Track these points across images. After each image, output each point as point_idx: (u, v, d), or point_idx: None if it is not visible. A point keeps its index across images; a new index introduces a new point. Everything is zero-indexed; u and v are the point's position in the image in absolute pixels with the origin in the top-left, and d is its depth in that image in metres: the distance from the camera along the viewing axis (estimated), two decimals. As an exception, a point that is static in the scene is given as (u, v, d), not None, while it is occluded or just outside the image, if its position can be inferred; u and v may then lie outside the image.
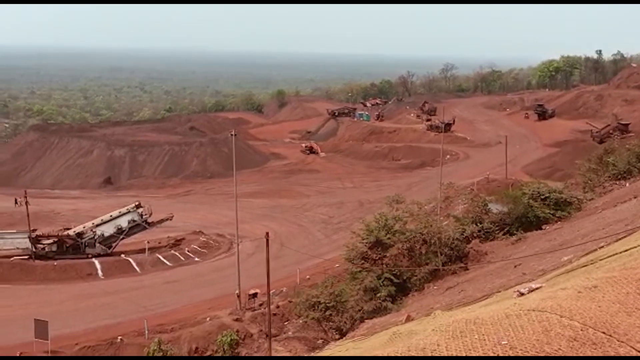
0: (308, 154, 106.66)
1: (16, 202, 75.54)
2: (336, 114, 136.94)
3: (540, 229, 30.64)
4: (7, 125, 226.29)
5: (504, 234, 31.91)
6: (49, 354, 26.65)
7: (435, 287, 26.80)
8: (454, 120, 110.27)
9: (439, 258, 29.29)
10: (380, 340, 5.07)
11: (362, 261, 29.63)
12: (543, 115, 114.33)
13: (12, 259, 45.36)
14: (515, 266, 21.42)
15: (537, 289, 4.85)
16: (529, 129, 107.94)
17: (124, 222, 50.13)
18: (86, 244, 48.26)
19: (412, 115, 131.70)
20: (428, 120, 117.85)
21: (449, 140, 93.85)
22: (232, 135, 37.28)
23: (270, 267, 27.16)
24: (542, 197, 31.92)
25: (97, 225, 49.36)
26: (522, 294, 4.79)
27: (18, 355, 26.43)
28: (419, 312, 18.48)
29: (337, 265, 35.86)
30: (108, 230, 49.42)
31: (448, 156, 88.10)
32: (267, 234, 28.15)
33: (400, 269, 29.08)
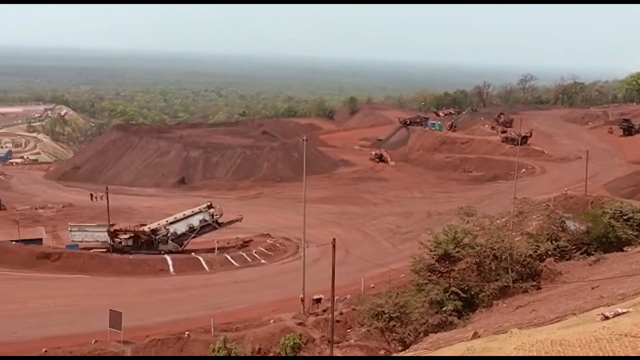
0: (377, 161, 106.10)
1: (92, 197, 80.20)
2: (408, 122, 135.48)
3: (622, 250, 29.00)
4: (93, 124, 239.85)
5: (581, 254, 30.39)
6: (122, 344, 27.76)
7: (504, 305, 25.85)
8: (531, 133, 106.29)
9: (509, 275, 28.24)
10: (452, 355, 4.87)
11: (429, 273, 29.01)
12: (629, 130, 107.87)
13: (91, 250, 47.83)
14: (592, 288, 20.32)
15: (623, 313, 4.52)
16: (612, 145, 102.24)
17: (195, 221, 51.69)
18: (159, 240, 50.14)
19: (486, 126, 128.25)
20: (503, 132, 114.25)
21: (524, 154, 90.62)
22: (303, 140, 37.62)
23: (335, 273, 27.12)
24: (625, 217, 30.20)
25: (171, 223, 51.16)
26: (607, 318, 4.47)
27: (93, 342, 27.73)
28: (486, 330, 17.85)
29: (402, 275, 35.32)
30: (180, 228, 51.11)
31: (523, 170, 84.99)
32: (334, 240, 28.14)
33: (468, 284, 28.26)
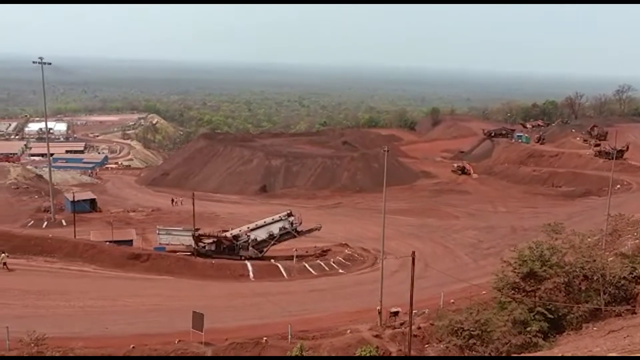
0: (460, 174, 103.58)
1: (173, 202, 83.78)
2: (492, 134, 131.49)
3: None
4: (181, 132, 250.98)
5: (684, 278, 28.03)
6: (203, 345, 28.64)
7: (595, 329, 24.35)
8: (627, 147, 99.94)
9: (601, 297, 26.58)
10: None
11: (513, 291, 27.85)
12: None
13: (177, 253, 49.86)
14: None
15: None
16: None
17: (275, 228, 52.60)
18: (241, 246, 51.43)
19: (578, 139, 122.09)
20: (597, 145, 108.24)
21: (620, 169, 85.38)
22: (384, 151, 37.34)
23: (414, 287, 26.62)
24: None
25: (252, 230, 52.35)
26: None
27: (177, 342, 28.79)
28: (574, 354, 16.88)
29: (484, 292, 34.09)
30: (261, 235, 52.19)
31: (618, 186, 80.00)
32: (413, 252, 27.68)
33: (556, 305, 26.85)
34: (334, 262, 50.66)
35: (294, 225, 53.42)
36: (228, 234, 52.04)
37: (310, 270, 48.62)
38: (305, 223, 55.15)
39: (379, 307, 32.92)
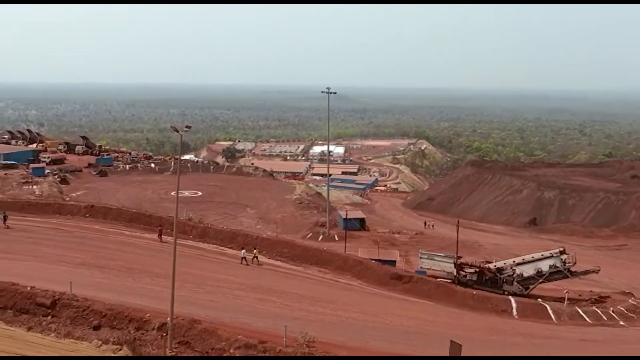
0: None
1: (425, 225, 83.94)
2: None
3: None
4: (448, 159, 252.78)
5: None
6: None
7: None
8: None
9: None
10: None
11: None
12: None
13: (437, 279, 49.79)
14: None
15: None
16: None
17: (545, 265, 48.61)
18: (504, 280, 48.84)
19: None
20: None
21: None
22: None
23: None
24: None
25: (518, 264, 49.32)
26: None
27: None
28: None
29: None
30: (528, 271, 48.78)
31: None
32: None
33: None
34: (613, 312, 44.35)
35: (567, 264, 48.57)
36: (491, 266, 50.01)
37: (584, 316, 43.43)
38: (580, 263, 49.73)
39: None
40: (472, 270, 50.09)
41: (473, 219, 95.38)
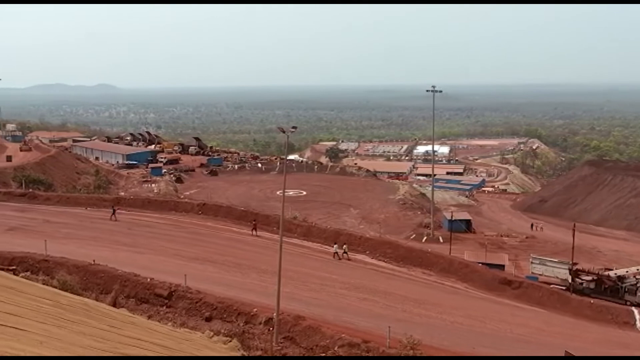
0: None
1: (532, 227, 79.13)
2: None
3: None
4: (563, 159, 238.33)
5: None
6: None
7: None
8: None
9: None
10: None
11: None
12: None
13: (551, 286, 47.09)
14: None
15: None
16: None
17: (674, 275, 44.50)
18: (626, 289, 45.30)
19: None
20: None
21: None
22: None
23: None
24: None
25: (642, 273, 45.59)
26: None
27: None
28: None
29: None
30: (653, 280, 44.90)
31: None
32: None
33: None
34: None
35: (701, 275, 44.14)
36: (612, 274, 46.56)
37: None
38: None
39: None
40: (589, 277, 46.95)
41: (590, 223, 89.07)
